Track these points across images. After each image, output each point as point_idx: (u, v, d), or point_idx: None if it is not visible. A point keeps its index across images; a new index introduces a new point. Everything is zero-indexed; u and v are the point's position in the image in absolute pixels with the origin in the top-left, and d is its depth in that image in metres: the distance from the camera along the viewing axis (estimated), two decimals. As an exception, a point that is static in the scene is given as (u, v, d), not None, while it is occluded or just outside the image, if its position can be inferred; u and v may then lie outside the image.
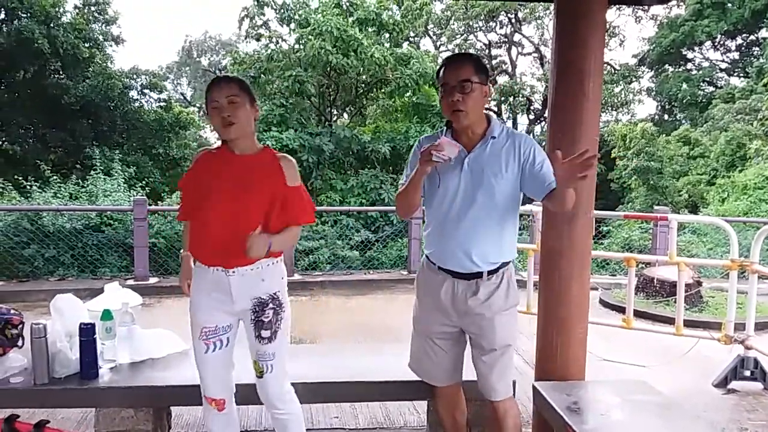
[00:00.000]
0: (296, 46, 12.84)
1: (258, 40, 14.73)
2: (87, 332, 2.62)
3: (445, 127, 2.42)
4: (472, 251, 2.34)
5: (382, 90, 13.50)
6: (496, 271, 2.39)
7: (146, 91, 19.07)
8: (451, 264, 2.40)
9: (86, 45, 16.45)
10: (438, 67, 2.42)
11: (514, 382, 2.51)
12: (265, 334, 2.32)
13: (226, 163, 2.31)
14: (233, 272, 2.27)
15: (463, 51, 18.63)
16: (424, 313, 2.54)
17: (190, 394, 2.73)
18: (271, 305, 2.32)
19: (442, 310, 2.45)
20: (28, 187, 8.55)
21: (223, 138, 2.30)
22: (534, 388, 2.69)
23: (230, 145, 2.32)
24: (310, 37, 12.03)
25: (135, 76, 18.28)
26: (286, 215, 2.30)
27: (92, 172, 9.41)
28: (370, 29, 12.86)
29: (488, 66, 2.61)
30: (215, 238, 2.27)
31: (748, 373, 4.11)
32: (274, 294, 2.34)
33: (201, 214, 2.30)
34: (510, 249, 2.44)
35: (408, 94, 12.85)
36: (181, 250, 2.59)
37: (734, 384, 4.10)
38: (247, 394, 2.48)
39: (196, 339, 2.37)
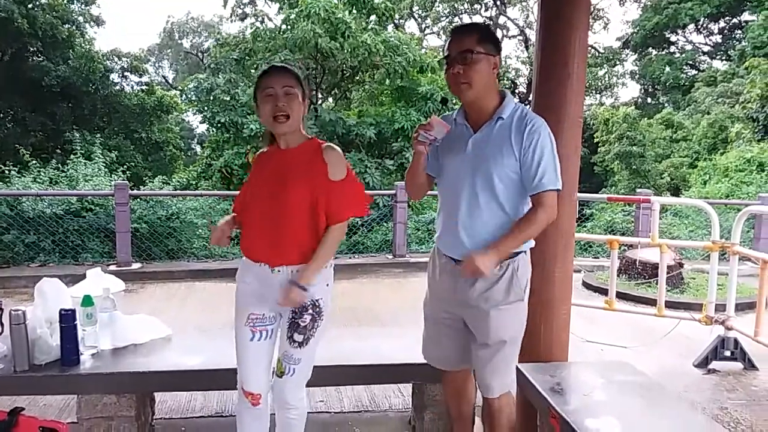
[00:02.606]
0: (283, 26, 12.66)
1: (243, 20, 14.53)
2: (67, 318, 2.59)
3: (440, 106, 2.31)
4: (466, 239, 2.20)
5: (369, 74, 13.37)
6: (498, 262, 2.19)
7: (127, 73, 18.85)
8: (450, 250, 2.28)
9: (65, 26, 16.15)
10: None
11: (513, 380, 2.40)
12: (298, 338, 2.26)
13: (271, 160, 2.29)
14: (278, 270, 2.23)
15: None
16: (431, 299, 2.45)
17: (174, 380, 2.73)
18: (310, 311, 2.25)
19: (444, 298, 2.35)
20: (7, 171, 8.40)
21: (275, 131, 2.24)
22: (517, 369, 2.70)
23: (279, 141, 2.27)
24: (298, 18, 11.86)
25: (116, 59, 18.01)
26: (330, 210, 2.22)
27: (72, 157, 9.23)
28: (359, 11, 12.70)
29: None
30: (259, 238, 2.25)
31: (728, 353, 4.17)
32: (316, 301, 2.26)
33: (247, 213, 2.31)
34: None
35: (396, 80, 12.73)
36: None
37: (715, 364, 4.17)
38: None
39: (240, 326, 2.31)
